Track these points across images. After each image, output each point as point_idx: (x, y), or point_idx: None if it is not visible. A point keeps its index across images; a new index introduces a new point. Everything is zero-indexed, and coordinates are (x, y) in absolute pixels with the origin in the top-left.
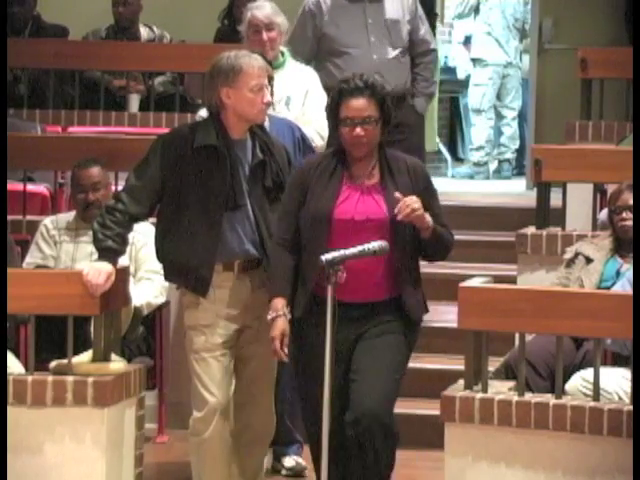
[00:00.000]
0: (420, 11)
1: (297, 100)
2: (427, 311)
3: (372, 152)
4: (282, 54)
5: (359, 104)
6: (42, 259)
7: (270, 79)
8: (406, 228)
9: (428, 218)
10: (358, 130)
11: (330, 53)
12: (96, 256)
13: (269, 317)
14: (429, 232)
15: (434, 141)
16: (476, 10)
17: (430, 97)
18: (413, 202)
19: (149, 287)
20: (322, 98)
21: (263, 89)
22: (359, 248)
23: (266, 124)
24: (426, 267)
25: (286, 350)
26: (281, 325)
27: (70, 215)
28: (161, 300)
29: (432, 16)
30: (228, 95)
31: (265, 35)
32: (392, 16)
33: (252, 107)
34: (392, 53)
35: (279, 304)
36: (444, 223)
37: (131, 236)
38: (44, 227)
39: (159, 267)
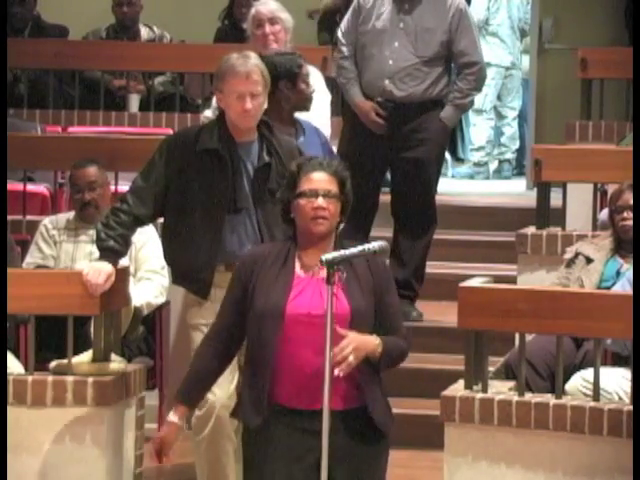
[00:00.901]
0: (466, 23)
1: None
2: (393, 420)
3: (329, 237)
4: None
5: (321, 176)
6: (42, 259)
7: (305, 76)
8: (367, 325)
9: (372, 346)
10: (320, 201)
11: (360, 51)
12: (96, 256)
13: (168, 419)
14: (378, 357)
15: None
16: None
17: (461, 108)
18: (348, 350)
19: (149, 287)
20: (325, 97)
21: (244, 96)
22: (359, 248)
23: (298, 125)
24: (427, 267)
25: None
26: (169, 433)
27: (70, 215)
28: (161, 300)
29: None
30: (219, 99)
31: (268, 29)
32: (425, 24)
33: (232, 112)
34: (412, 60)
35: (179, 412)
36: (399, 326)
37: None
38: (44, 227)
39: (159, 267)
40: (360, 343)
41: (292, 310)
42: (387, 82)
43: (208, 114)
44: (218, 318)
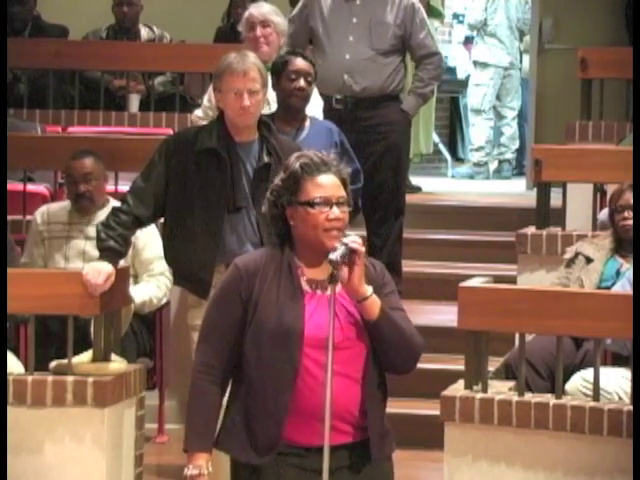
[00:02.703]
0: (420, 16)
1: None
2: (391, 446)
3: None
4: None
5: (330, 180)
6: (31, 259)
7: (307, 75)
8: None
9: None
10: (337, 212)
11: (316, 50)
12: (91, 255)
13: (187, 473)
14: (372, 308)
15: (429, 143)
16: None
17: (422, 98)
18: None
19: (155, 287)
20: (317, 100)
21: (242, 93)
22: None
23: (307, 124)
24: (426, 267)
25: None
26: None
27: (64, 208)
28: (165, 300)
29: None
30: (218, 98)
31: (259, 31)
32: (379, 17)
33: (230, 110)
34: (368, 54)
35: (201, 460)
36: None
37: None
38: (34, 223)
39: (165, 268)
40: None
41: (310, 332)
42: (346, 77)
43: (199, 113)
44: (212, 343)
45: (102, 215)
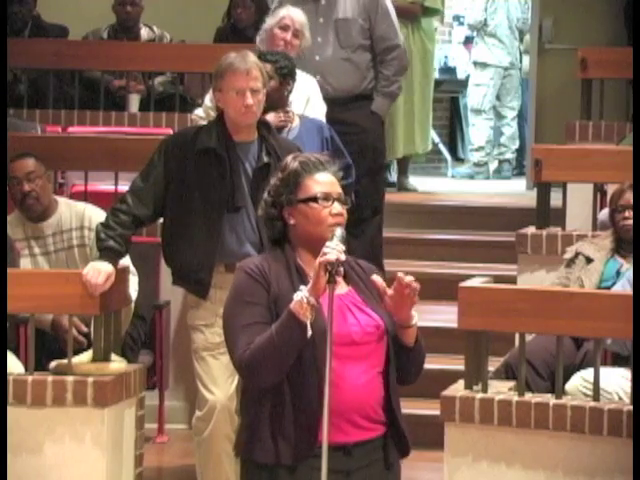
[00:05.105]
0: (383, 9)
1: (298, 106)
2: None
3: None
4: None
5: (328, 178)
6: None
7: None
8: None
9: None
10: (339, 207)
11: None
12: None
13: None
14: (414, 334)
15: (426, 144)
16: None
17: (390, 96)
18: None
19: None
20: (322, 107)
21: (244, 92)
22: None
23: (296, 122)
24: (426, 267)
25: None
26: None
27: (14, 223)
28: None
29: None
30: (218, 98)
31: (290, 37)
32: (343, 15)
33: (232, 109)
34: (337, 53)
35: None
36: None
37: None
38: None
39: (131, 264)
40: None
41: (334, 329)
42: (318, 78)
43: (199, 113)
44: (250, 331)
45: (54, 221)
